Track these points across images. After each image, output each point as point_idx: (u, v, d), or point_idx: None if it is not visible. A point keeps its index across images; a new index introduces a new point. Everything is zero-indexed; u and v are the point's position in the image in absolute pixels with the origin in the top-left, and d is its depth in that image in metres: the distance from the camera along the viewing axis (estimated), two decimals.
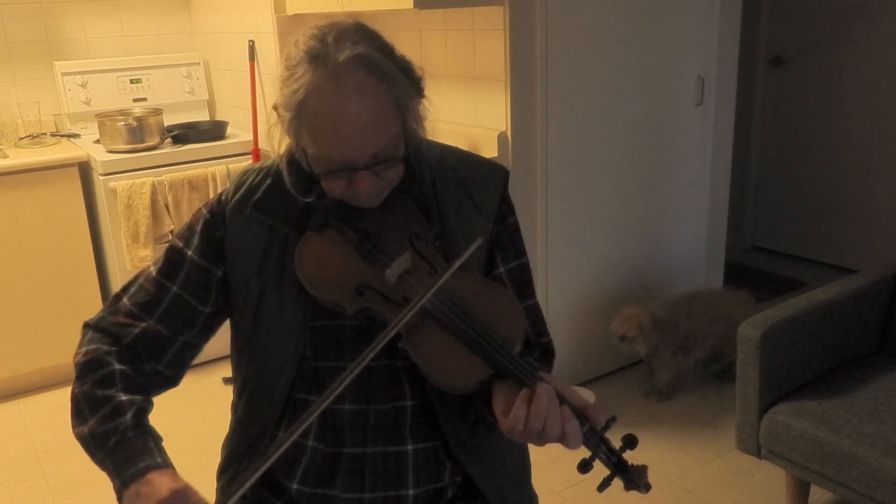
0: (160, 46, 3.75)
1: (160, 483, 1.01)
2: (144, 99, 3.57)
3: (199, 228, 1.18)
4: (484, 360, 1.05)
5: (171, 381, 1.21)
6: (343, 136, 1.03)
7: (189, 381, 1.24)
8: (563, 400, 1.02)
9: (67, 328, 3.05)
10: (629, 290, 2.99)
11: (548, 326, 1.30)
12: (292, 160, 1.15)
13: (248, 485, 0.93)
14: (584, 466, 1.03)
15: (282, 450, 0.94)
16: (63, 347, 3.05)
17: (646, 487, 1.06)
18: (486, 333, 1.06)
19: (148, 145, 3.11)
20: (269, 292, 1.15)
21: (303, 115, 1.04)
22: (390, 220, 1.14)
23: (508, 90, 2.52)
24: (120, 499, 1.04)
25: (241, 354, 1.23)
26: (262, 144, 3.24)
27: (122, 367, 1.13)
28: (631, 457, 1.06)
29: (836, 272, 3.86)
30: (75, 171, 3.05)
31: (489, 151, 2.56)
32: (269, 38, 3.13)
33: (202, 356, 1.25)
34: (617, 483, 1.06)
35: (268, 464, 0.93)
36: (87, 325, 1.19)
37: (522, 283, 1.26)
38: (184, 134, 3.24)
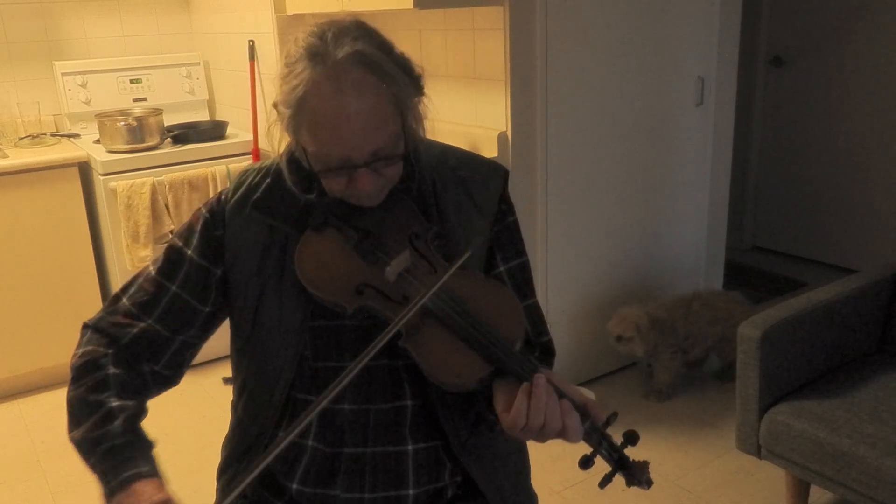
0: (160, 46, 3.75)
1: (143, 493, 1.01)
2: (144, 99, 3.57)
3: (198, 228, 1.18)
4: (484, 358, 1.05)
5: (170, 380, 1.21)
6: (342, 134, 1.03)
7: (189, 381, 1.24)
8: (562, 394, 1.02)
9: (67, 328, 3.05)
10: (629, 289, 2.99)
11: (548, 326, 1.30)
12: (292, 158, 1.15)
13: (246, 482, 0.93)
14: (586, 463, 1.03)
15: (281, 447, 0.93)
16: (63, 347, 3.05)
17: (647, 483, 1.06)
18: (486, 331, 1.06)
19: (148, 145, 3.11)
20: (268, 292, 1.15)
21: (302, 112, 1.04)
22: (390, 220, 1.15)
23: (508, 90, 2.52)
24: None
25: (241, 354, 1.22)
26: (262, 144, 3.24)
27: (117, 370, 1.13)
28: (631, 454, 1.06)
29: (836, 272, 3.85)
30: (75, 171, 3.05)
31: (489, 151, 2.56)
32: (269, 38, 3.13)
33: (202, 356, 1.25)
34: (618, 480, 1.06)
35: (267, 461, 0.93)
36: (86, 326, 1.19)
37: (522, 282, 1.26)
38: (184, 134, 3.24)
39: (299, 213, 1.16)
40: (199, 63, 3.71)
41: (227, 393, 1.33)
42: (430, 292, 1.04)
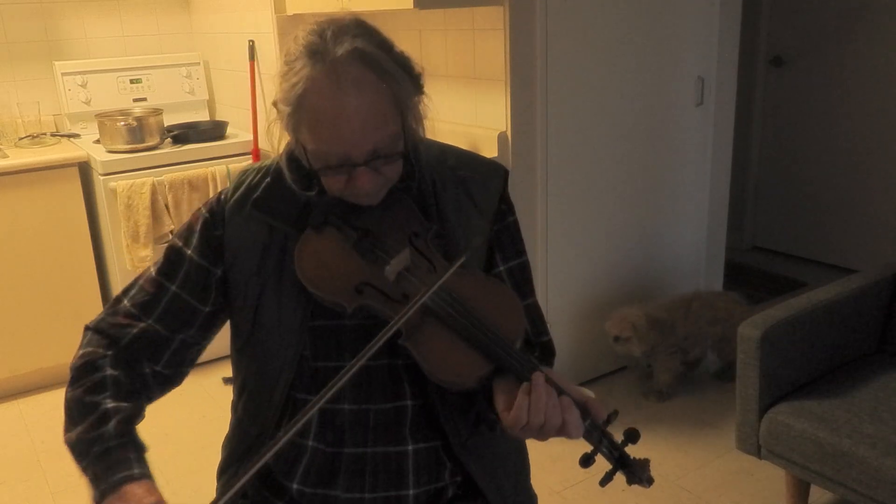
0: (160, 46, 3.75)
1: (134, 496, 1.01)
2: (144, 99, 3.57)
3: (198, 228, 1.18)
4: (485, 357, 1.05)
5: (172, 380, 1.20)
6: (342, 131, 1.02)
7: (189, 381, 1.24)
8: (562, 391, 1.02)
9: (67, 328, 3.05)
10: (629, 289, 2.99)
11: (547, 326, 1.30)
12: (292, 157, 1.15)
13: (246, 478, 0.92)
14: (587, 461, 1.03)
15: (280, 444, 0.93)
16: (63, 348, 3.05)
17: (648, 481, 1.06)
18: (486, 329, 1.06)
19: (148, 145, 3.11)
20: (268, 292, 1.15)
21: (302, 109, 1.04)
22: (389, 219, 1.14)
23: (508, 90, 2.52)
24: None
25: (241, 354, 1.22)
26: (262, 144, 3.24)
27: (115, 372, 1.13)
28: (631, 452, 1.06)
29: (836, 272, 3.86)
30: (75, 171, 3.05)
31: (489, 151, 2.56)
32: (269, 38, 3.13)
33: (202, 356, 1.25)
34: (619, 479, 1.06)
35: (266, 458, 0.93)
36: (87, 328, 1.19)
37: (522, 281, 1.26)
38: (184, 134, 3.24)
39: (299, 213, 1.15)
40: (199, 63, 3.71)
41: (227, 393, 1.33)
42: (431, 291, 1.04)
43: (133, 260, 3.01)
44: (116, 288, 3.15)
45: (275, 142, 1.13)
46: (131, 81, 3.57)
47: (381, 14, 2.78)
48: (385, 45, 1.07)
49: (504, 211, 1.24)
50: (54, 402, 3.03)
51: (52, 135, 3.37)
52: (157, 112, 3.21)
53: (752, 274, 4.10)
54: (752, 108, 4.29)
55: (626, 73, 2.76)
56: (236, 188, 1.19)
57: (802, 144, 4.13)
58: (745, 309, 2.82)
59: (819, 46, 3.96)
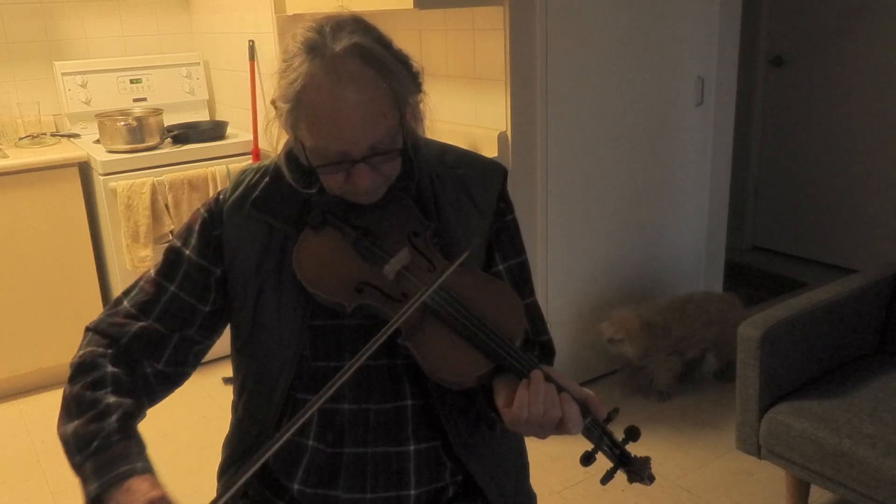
0: (160, 46, 3.75)
1: (138, 490, 1.00)
2: (144, 99, 3.57)
3: (197, 228, 1.18)
4: (484, 355, 1.05)
5: (174, 379, 1.20)
6: (341, 127, 1.02)
7: (189, 381, 1.24)
8: (561, 388, 1.02)
9: (67, 328, 3.05)
10: (628, 289, 2.99)
11: (547, 325, 1.30)
12: (291, 155, 1.15)
13: (244, 479, 0.92)
14: (587, 459, 1.03)
15: (280, 442, 0.93)
16: (63, 348, 3.05)
17: (649, 479, 1.06)
18: (486, 328, 1.06)
19: (148, 145, 3.11)
20: (267, 291, 1.15)
21: (300, 105, 1.03)
22: (388, 218, 1.14)
23: (508, 90, 2.52)
24: None
25: (241, 354, 1.22)
26: (262, 144, 3.24)
27: (116, 369, 1.13)
28: (632, 451, 1.06)
29: (836, 272, 3.85)
30: (75, 171, 3.05)
31: (489, 151, 2.56)
32: (269, 38, 3.13)
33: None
34: (620, 477, 1.05)
35: (265, 457, 0.93)
36: (87, 329, 1.19)
37: (522, 281, 1.26)
38: (184, 134, 3.24)
39: (298, 212, 1.15)
40: (199, 63, 3.72)
41: (227, 393, 1.33)
42: (430, 289, 1.04)
43: (133, 260, 3.01)
44: (116, 288, 3.15)
45: (273, 141, 1.13)
46: (131, 81, 3.57)
47: (381, 14, 2.78)
48: (384, 41, 1.07)
49: (503, 210, 1.24)
50: (54, 403, 3.00)
51: (52, 135, 3.37)
52: (157, 112, 3.21)
53: (752, 274, 4.10)
54: (752, 108, 4.29)
55: (626, 74, 2.76)
56: (235, 188, 1.19)
57: (802, 144, 4.13)
58: (740, 311, 2.83)
59: (819, 46, 3.96)
